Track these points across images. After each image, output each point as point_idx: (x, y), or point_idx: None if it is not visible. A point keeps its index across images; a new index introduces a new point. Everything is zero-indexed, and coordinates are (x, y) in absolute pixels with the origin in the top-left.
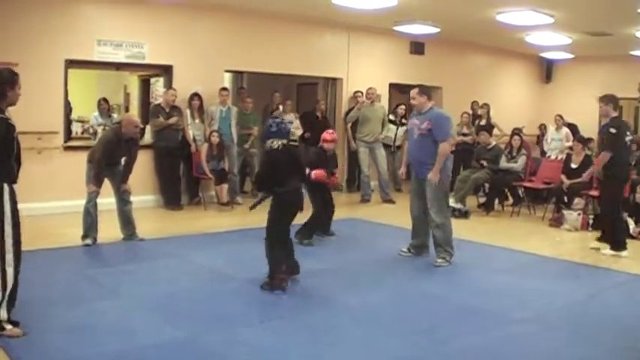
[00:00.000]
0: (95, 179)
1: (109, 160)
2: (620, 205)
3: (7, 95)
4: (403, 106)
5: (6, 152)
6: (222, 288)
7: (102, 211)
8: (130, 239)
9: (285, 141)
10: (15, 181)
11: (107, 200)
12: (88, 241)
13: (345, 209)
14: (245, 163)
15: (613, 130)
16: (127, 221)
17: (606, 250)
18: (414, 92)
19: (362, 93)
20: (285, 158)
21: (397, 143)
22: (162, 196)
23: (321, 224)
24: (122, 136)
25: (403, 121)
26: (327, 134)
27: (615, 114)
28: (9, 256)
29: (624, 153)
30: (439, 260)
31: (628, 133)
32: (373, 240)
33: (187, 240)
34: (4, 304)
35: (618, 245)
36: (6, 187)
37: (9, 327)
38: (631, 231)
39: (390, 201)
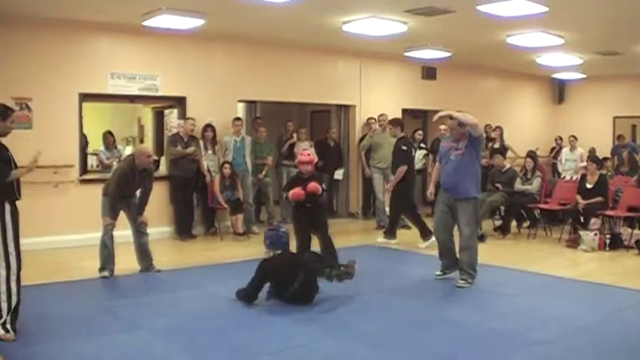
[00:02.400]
0: (111, 212)
1: (124, 192)
2: (406, 205)
3: None
4: (421, 132)
5: (2, 172)
6: (240, 318)
7: (118, 244)
8: (147, 271)
9: (279, 251)
10: (16, 199)
11: (123, 232)
12: (106, 273)
13: (361, 236)
14: (260, 192)
15: (404, 147)
16: (143, 253)
17: (380, 238)
18: (453, 123)
19: (375, 120)
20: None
21: (417, 167)
22: (174, 226)
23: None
24: (136, 167)
25: (422, 145)
26: (300, 155)
27: (402, 134)
28: (13, 265)
29: (412, 165)
30: (461, 282)
31: (413, 149)
32: (391, 266)
33: (204, 270)
34: (9, 315)
35: (390, 234)
36: (7, 205)
37: (1, 332)
38: None
39: (406, 226)
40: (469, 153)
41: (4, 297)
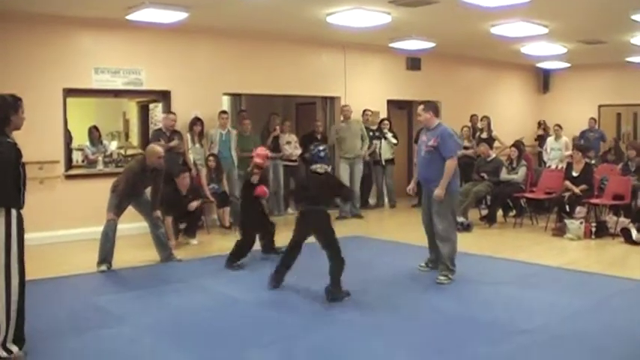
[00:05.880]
0: (115, 208)
1: (133, 190)
2: None
3: (11, 120)
4: (386, 122)
5: (14, 178)
6: (228, 310)
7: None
8: (167, 261)
9: (329, 168)
10: (22, 207)
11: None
12: (103, 267)
13: (346, 227)
14: None
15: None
16: (161, 244)
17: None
18: (419, 109)
19: (371, 111)
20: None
21: (384, 157)
22: None
23: (248, 248)
24: (147, 167)
25: (387, 136)
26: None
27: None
28: (14, 282)
29: None
30: (441, 277)
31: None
32: (376, 257)
33: (192, 264)
34: (11, 330)
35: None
36: (14, 212)
37: (15, 349)
38: (634, 237)
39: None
40: (437, 151)
41: (2, 313)
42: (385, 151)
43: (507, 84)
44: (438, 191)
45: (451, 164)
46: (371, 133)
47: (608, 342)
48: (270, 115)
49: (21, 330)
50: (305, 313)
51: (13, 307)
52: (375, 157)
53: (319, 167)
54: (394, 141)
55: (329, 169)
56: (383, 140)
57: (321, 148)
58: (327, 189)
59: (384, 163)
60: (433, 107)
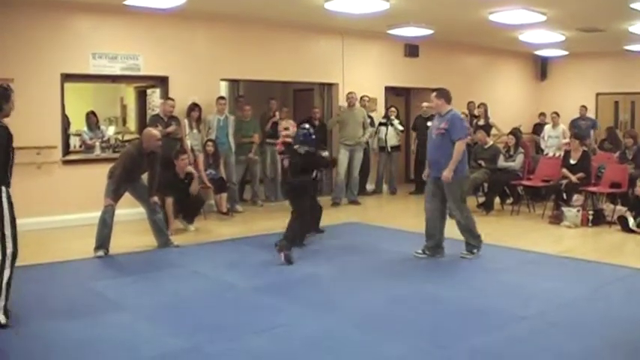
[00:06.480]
0: (113, 194)
1: (130, 176)
2: None
3: (3, 108)
4: (393, 109)
5: (5, 159)
6: (224, 296)
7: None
8: (165, 247)
9: (307, 148)
10: (9, 186)
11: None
12: (101, 252)
13: (344, 213)
14: (247, 170)
15: None
16: (159, 230)
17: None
18: (432, 95)
19: (369, 98)
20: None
21: (390, 144)
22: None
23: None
24: (144, 151)
25: (393, 123)
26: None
27: None
28: (9, 252)
29: None
30: (465, 252)
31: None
32: (373, 243)
33: (189, 250)
34: (3, 300)
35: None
36: (4, 189)
37: (4, 320)
38: (630, 225)
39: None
40: (447, 134)
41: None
42: (391, 138)
43: (505, 71)
44: (446, 172)
45: (460, 146)
46: (369, 120)
47: (604, 329)
48: (269, 100)
49: (6, 303)
50: (302, 300)
51: (6, 276)
52: (380, 144)
53: (299, 147)
54: (400, 128)
55: (310, 149)
56: (389, 127)
57: (304, 131)
58: (302, 165)
59: (389, 149)
60: (445, 94)
